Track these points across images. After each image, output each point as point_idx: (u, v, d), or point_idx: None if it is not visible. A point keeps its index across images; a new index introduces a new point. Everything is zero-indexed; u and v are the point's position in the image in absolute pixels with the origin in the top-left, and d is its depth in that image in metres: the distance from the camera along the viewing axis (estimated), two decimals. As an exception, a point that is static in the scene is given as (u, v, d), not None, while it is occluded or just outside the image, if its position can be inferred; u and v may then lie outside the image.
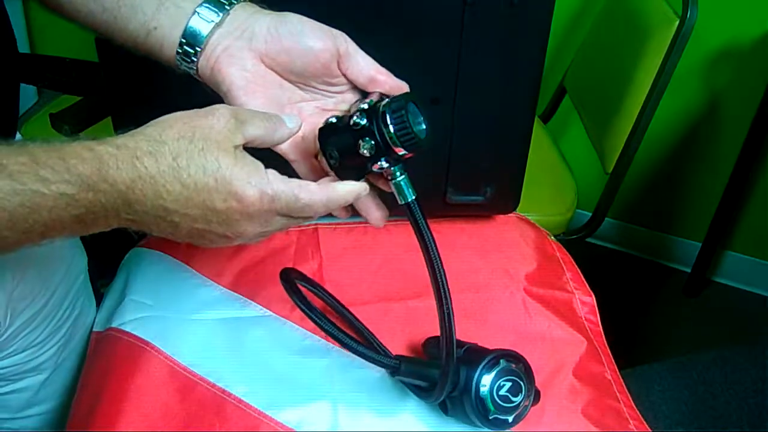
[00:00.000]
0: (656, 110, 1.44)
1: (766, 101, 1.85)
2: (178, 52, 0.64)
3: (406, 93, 0.64)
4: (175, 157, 0.55)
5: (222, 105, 0.59)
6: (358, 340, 0.74)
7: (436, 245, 0.63)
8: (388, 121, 0.59)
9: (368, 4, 0.82)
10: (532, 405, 0.75)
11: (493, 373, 0.71)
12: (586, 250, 1.32)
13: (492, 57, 0.87)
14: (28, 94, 2.78)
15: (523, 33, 0.85)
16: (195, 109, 0.58)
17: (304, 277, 0.84)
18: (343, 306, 0.86)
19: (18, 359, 0.86)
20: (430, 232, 0.63)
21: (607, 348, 0.90)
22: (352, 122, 0.60)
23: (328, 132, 0.63)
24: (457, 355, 0.73)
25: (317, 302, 0.86)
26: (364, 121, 0.60)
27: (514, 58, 0.87)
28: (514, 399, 0.72)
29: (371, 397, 0.80)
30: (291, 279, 0.77)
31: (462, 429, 0.76)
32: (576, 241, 1.67)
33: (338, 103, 0.68)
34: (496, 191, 0.97)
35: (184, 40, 0.63)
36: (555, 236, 1.06)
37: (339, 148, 0.62)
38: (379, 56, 0.66)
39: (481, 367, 0.72)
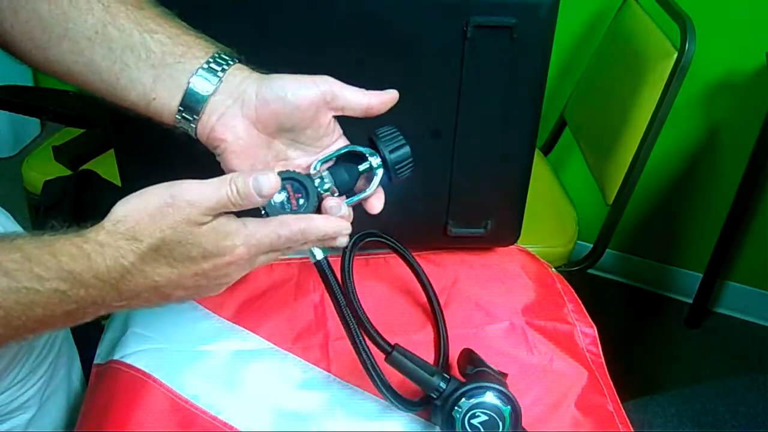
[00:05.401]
0: (656, 142, 1.45)
1: (765, 132, 1.85)
2: (177, 119, 0.66)
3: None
4: (156, 250, 0.57)
5: (174, 192, 0.58)
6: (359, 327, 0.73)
7: (344, 298, 0.70)
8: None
9: (369, 39, 0.83)
10: None
11: (473, 401, 0.71)
12: (587, 282, 1.32)
13: (492, 90, 0.87)
14: (31, 126, 2.80)
15: (523, 66, 0.86)
16: (150, 200, 0.58)
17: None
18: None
19: (1, 399, 0.86)
20: (340, 288, 0.70)
21: (609, 379, 0.90)
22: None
23: None
24: (468, 372, 0.78)
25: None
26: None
27: (514, 92, 0.88)
28: None
29: (372, 429, 0.80)
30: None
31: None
32: (577, 272, 1.67)
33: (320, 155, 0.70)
34: (497, 224, 0.97)
35: (182, 109, 0.65)
36: (556, 268, 1.07)
37: None
38: (380, 90, 0.67)
39: (465, 389, 0.72)
